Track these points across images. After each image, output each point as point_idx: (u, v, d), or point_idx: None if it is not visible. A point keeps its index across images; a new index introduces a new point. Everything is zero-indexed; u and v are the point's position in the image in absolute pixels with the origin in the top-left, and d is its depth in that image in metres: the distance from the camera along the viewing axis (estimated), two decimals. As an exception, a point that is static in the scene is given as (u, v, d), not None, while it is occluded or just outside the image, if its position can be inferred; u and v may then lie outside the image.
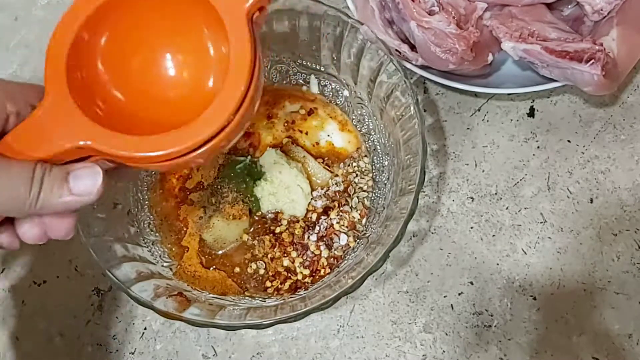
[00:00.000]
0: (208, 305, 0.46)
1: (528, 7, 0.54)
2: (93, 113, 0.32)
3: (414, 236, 0.55)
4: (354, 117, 0.56)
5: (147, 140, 0.30)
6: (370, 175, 0.55)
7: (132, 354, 0.53)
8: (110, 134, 0.30)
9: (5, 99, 0.31)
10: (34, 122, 0.31)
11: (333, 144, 0.56)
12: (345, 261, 0.51)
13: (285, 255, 0.52)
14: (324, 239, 0.52)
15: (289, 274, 0.51)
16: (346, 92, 0.56)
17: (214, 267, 0.52)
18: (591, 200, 0.55)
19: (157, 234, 0.53)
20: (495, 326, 0.52)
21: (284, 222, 0.53)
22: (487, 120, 0.59)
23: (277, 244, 0.52)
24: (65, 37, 0.32)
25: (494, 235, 0.54)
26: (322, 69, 0.56)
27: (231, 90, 0.31)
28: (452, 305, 0.52)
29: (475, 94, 0.59)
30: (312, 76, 0.57)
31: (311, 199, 0.53)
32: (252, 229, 0.53)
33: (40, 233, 0.34)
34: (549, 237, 0.54)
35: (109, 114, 0.33)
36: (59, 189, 0.31)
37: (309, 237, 0.52)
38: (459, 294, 0.53)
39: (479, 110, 0.59)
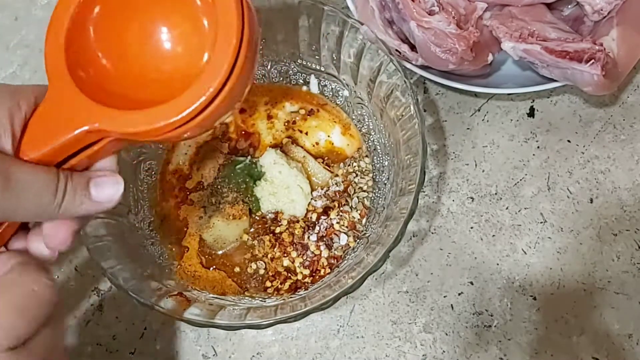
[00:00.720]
0: (208, 305, 0.46)
1: (528, 7, 0.54)
2: (96, 96, 0.32)
3: (414, 236, 0.55)
4: (354, 117, 0.56)
5: (151, 112, 0.31)
6: (371, 175, 0.55)
7: (132, 354, 0.53)
8: (115, 112, 0.31)
9: (19, 99, 0.32)
10: (41, 116, 0.32)
11: (333, 144, 0.56)
12: (345, 261, 0.51)
13: (285, 255, 0.52)
14: (324, 239, 0.52)
15: (289, 274, 0.51)
16: (346, 92, 0.56)
17: (214, 267, 0.52)
18: (591, 200, 0.55)
19: (157, 234, 0.53)
20: (495, 326, 0.52)
21: (284, 222, 0.53)
22: (487, 120, 0.59)
23: (277, 244, 0.52)
24: (60, 28, 0.33)
25: (494, 235, 0.54)
26: (322, 69, 0.56)
27: (223, 49, 0.31)
28: (452, 305, 0.52)
29: (475, 94, 0.59)
30: (312, 76, 0.57)
31: (311, 199, 0.53)
32: (252, 229, 0.53)
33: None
34: (549, 237, 0.54)
35: (110, 95, 0.33)
36: (81, 196, 0.32)
37: (309, 237, 0.52)
38: (459, 294, 0.53)
39: (479, 110, 0.59)
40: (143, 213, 0.53)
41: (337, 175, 0.54)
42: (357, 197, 0.53)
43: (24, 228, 0.35)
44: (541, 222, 0.55)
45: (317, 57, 0.55)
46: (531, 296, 0.52)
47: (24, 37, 0.65)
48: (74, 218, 0.34)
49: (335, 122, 0.57)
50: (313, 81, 0.57)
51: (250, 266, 0.52)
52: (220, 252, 0.52)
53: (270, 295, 0.51)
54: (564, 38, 0.51)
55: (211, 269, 0.52)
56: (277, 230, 0.52)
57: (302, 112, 0.57)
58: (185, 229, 0.53)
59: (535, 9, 0.54)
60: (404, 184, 0.47)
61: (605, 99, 0.58)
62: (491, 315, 0.52)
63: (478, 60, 0.52)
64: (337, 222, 0.52)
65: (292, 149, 0.55)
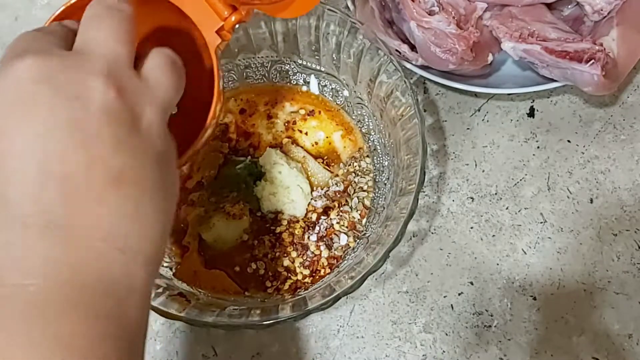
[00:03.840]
0: (208, 305, 0.46)
1: (528, 7, 0.54)
2: None
3: (414, 236, 0.55)
4: (354, 117, 0.56)
5: None
6: (371, 175, 0.55)
7: (132, 354, 0.53)
8: None
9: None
10: None
11: (332, 144, 0.56)
12: (345, 261, 0.51)
13: (285, 255, 0.52)
14: (324, 239, 0.52)
15: (289, 274, 0.51)
16: (346, 92, 0.56)
17: (214, 267, 0.52)
18: (591, 200, 0.55)
19: (157, 234, 0.53)
20: (495, 326, 0.52)
21: (284, 222, 0.53)
22: (487, 120, 0.59)
23: (277, 244, 0.52)
24: None
25: (494, 235, 0.54)
26: (322, 69, 0.56)
27: None
28: (452, 305, 0.52)
29: (475, 94, 0.59)
30: (312, 76, 0.57)
31: (311, 199, 0.53)
32: (252, 229, 0.53)
33: None
34: (549, 237, 0.54)
35: None
36: None
37: (309, 237, 0.52)
38: (459, 294, 0.53)
39: (479, 110, 0.59)
40: (143, 213, 0.53)
41: (337, 175, 0.54)
42: (357, 197, 0.53)
43: None
44: (541, 222, 0.55)
45: (317, 57, 0.55)
46: (531, 296, 0.52)
47: (24, 37, 0.65)
48: None
49: (337, 125, 0.57)
50: (313, 81, 0.57)
51: (250, 266, 0.52)
52: (220, 252, 0.52)
53: (270, 295, 0.51)
54: (564, 38, 0.51)
55: (211, 269, 0.52)
56: (277, 230, 0.52)
57: (302, 112, 0.57)
58: (185, 229, 0.53)
59: (535, 9, 0.54)
60: (404, 184, 0.47)
61: (605, 99, 0.58)
62: (491, 315, 0.52)
63: (478, 60, 0.52)
64: (337, 222, 0.52)
65: (292, 149, 0.55)
